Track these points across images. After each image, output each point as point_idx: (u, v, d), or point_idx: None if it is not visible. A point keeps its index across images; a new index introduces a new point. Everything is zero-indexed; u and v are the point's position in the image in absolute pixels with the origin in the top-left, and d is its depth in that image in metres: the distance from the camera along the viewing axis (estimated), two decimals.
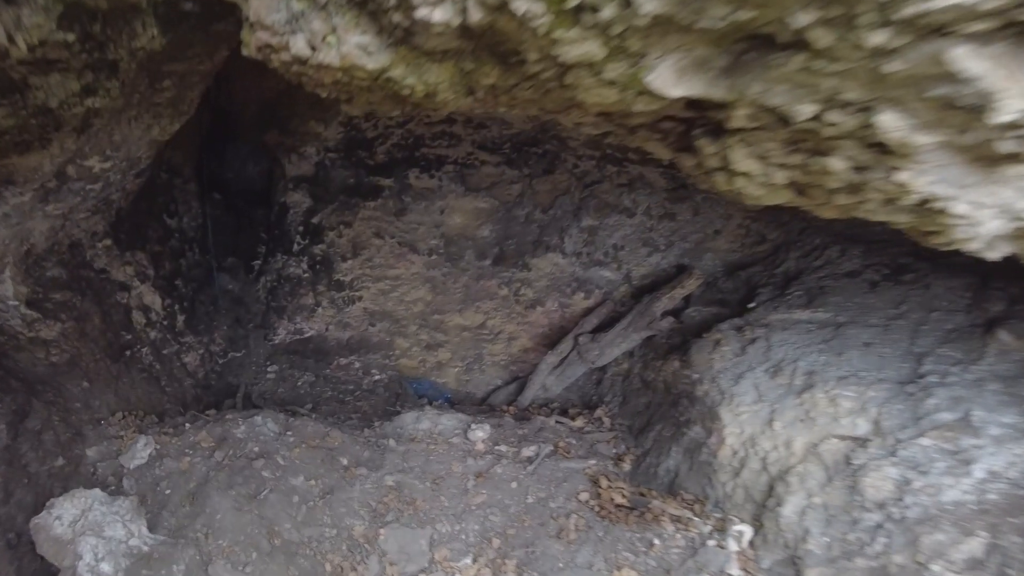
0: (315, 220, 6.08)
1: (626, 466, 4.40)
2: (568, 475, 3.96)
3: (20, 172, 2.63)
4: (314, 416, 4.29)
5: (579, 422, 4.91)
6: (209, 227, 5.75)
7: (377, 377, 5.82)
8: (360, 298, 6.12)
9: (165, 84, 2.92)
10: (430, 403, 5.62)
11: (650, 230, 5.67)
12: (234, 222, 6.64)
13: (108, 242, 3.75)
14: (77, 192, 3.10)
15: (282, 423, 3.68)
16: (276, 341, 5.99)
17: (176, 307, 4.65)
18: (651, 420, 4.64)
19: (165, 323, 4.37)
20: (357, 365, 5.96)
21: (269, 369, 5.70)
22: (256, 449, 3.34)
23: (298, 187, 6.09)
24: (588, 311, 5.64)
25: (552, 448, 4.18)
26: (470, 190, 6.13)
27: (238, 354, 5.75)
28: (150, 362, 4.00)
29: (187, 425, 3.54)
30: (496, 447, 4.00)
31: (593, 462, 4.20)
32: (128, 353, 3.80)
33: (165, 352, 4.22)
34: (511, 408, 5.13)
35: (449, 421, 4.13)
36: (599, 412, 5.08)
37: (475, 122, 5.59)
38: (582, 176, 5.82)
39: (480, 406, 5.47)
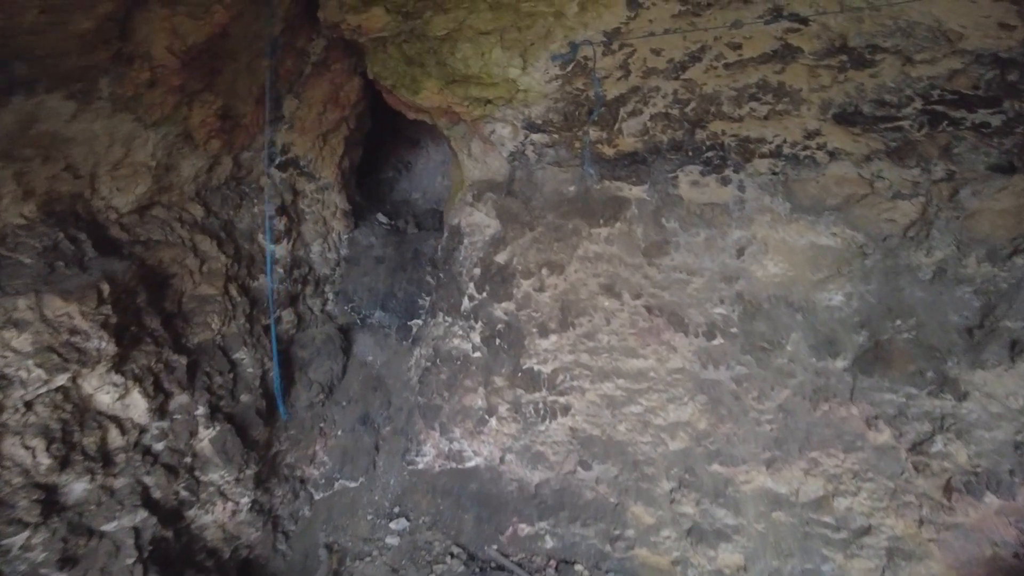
0: (500, 257, 3.43)
1: None
2: None
3: None
4: None
5: None
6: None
7: None
8: (567, 408, 3.22)
9: None
10: None
11: None
12: (395, 257, 4.35)
13: None
14: None
15: None
16: (419, 466, 3.39)
17: (204, 411, 2.26)
18: None
19: (148, 449, 1.96)
20: (549, 545, 3.03)
21: (392, 525, 3.08)
22: None
23: (480, 199, 3.53)
24: None
25: None
26: (800, 210, 3.00)
27: (352, 484, 3.28)
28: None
29: None
30: None
31: None
32: None
33: (106, 529, 1.79)
34: None
35: None
36: None
37: (836, 44, 2.41)
38: None
39: None
